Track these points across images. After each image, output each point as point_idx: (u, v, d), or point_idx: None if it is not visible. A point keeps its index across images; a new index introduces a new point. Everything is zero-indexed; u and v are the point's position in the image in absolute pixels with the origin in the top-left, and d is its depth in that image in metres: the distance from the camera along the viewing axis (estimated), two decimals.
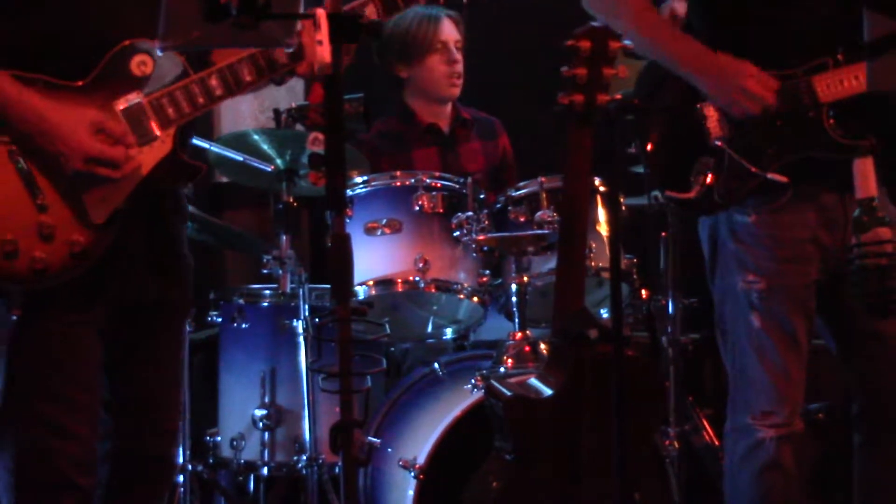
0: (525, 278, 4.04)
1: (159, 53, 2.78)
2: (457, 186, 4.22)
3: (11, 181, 2.74)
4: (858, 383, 3.43)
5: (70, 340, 2.85)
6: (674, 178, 3.37)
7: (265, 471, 4.38)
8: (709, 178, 3.29)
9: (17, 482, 2.81)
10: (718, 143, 3.29)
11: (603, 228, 4.17)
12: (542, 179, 4.15)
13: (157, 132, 2.84)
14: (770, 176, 3.24)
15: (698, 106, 3.33)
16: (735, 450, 3.37)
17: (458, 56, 4.85)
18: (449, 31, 4.85)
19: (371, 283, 4.11)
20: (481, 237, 4.08)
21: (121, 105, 2.81)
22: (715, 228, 3.40)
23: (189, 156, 2.95)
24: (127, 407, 3.02)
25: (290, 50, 2.75)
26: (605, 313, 4.25)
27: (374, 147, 4.84)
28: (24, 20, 2.79)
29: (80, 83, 2.80)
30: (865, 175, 3.13)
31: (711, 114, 3.32)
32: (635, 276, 4.24)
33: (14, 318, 2.79)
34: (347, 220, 4.04)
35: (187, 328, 4.30)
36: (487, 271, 4.16)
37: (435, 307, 4.38)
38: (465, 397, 3.95)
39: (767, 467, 3.30)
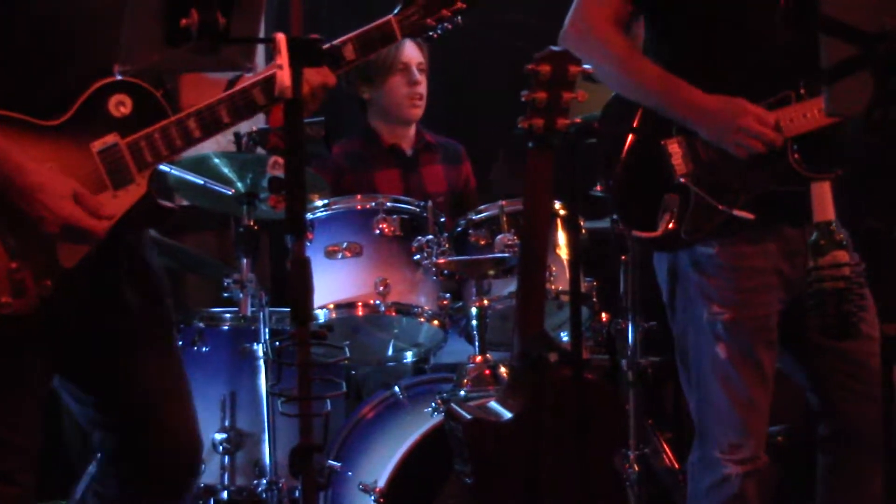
0: (485, 302, 4.05)
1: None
2: (417, 210, 4.22)
3: None
4: (828, 406, 3.40)
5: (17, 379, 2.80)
6: (639, 214, 3.32)
7: (225, 495, 4.36)
8: (675, 217, 3.24)
9: None
10: (683, 179, 3.24)
11: (563, 252, 4.18)
12: (503, 203, 4.17)
13: (134, 175, 2.77)
14: (736, 213, 3.21)
15: (662, 143, 3.27)
16: (701, 481, 3.35)
17: (420, 78, 4.88)
18: (411, 53, 4.87)
19: (331, 306, 4.11)
20: (442, 261, 4.08)
21: (97, 147, 2.75)
22: (675, 261, 3.36)
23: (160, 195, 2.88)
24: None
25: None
26: (565, 336, 4.26)
27: (337, 166, 4.85)
28: None
29: (56, 122, 2.72)
30: (823, 199, 3.13)
31: (676, 150, 3.26)
32: (595, 300, 4.25)
33: None
34: (308, 244, 4.01)
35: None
36: (448, 294, 4.17)
37: (395, 330, 4.38)
38: (426, 420, 3.95)
39: (731, 500, 3.28)
